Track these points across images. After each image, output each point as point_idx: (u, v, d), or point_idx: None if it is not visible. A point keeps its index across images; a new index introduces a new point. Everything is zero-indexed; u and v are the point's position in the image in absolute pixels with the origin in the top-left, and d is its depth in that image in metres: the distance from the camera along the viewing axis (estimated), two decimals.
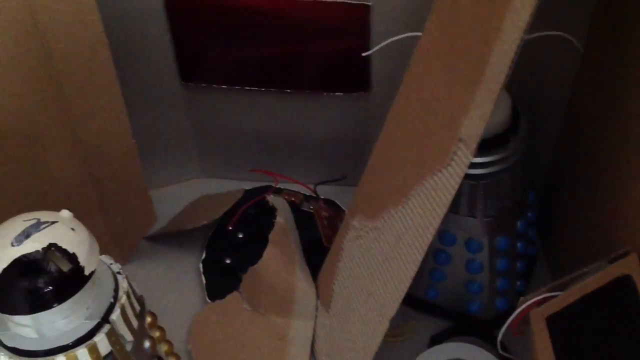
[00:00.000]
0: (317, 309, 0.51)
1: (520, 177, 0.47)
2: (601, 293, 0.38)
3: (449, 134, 0.38)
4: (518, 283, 0.51)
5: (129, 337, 0.39)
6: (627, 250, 0.38)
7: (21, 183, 0.47)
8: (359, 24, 0.50)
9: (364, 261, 0.46)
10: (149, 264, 0.58)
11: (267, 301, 0.51)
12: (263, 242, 0.53)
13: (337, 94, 0.55)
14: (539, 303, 0.41)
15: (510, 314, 0.42)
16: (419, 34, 0.43)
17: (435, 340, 0.51)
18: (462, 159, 0.37)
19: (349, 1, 0.49)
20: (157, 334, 0.45)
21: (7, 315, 0.37)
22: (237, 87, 0.56)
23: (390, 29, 0.49)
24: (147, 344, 0.42)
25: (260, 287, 0.51)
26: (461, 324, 0.52)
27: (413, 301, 0.51)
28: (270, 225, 0.54)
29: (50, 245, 0.35)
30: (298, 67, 0.54)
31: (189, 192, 0.63)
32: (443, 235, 0.48)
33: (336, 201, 0.60)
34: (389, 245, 0.43)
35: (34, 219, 0.36)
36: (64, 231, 0.36)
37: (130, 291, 0.40)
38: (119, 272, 0.41)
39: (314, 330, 0.50)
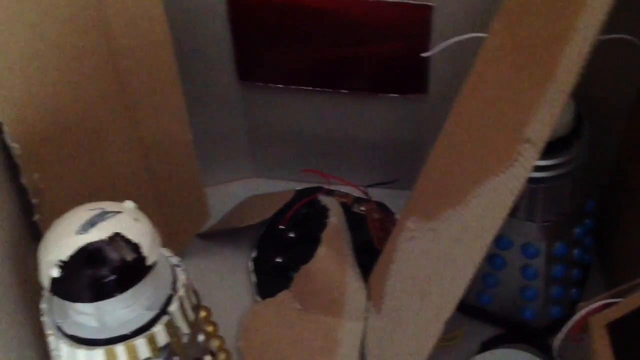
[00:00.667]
0: (367, 311, 0.51)
1: (581, 183, 0.46)
2: None
3: (514, 134, 0.37)
4: (573, 291, 0.50)
5: (185, 329, 0.40)
6: None
7: (81, 175, 0.48)
8: (420, 25, 0.50)
9: (418, 263, 0.45)
10: (199, 260, 0.58)
11: (317, 301, 0.51)
12: (314, 242, 0.53)
13: (393, 95, 0.55)
14: (598, 310, 0.41)
15: (563, 322, 0.41)
16: (483, 34, 0.43)
17: (486, 347, 0.50)
18: (528, 160, 0.37)
19: (411, 2, 0.49)
20: (209, 328, 0.45)
21: (69, 303, 0.37)
22: (293, 87, 0.56)
23: (451, 29, 0.48)
24: (201, 337, 0.42)
25: (311, 287, 0.51)
26: (513, 331, 0.51)
27: (464, 306, 0.50)
28: (323, 225, 0.54)
29: (115, 234, 0.36)
30: (355, 68, 0.54)
31: (240, 191, 0.63)
32: (499, 239, 0.47)
33: (386, 204, 0.60)
34: (446, 246, 0.43)
35: (98, 208, 0.37)
36: (128, 221, 0.36)
37: (188, 284, 0.41)
38: (177, 265, 0.41)
39: (364, 332, 0.50)
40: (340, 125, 0.59)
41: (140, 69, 0.47)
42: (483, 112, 0.41)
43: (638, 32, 0.43)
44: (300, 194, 0.58)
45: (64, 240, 0.35)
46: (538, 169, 0.43)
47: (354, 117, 0.58)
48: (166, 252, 0.41)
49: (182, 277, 0.40)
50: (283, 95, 0.57)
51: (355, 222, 0.56)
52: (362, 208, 0.58)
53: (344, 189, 0.60)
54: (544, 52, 0.36)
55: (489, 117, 0.40)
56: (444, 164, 0.44)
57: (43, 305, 0.39)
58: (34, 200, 0.45)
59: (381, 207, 0.59)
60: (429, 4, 0.49)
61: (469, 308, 0.51)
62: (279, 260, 0.55)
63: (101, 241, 0.35)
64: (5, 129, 0.43)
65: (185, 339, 0.40)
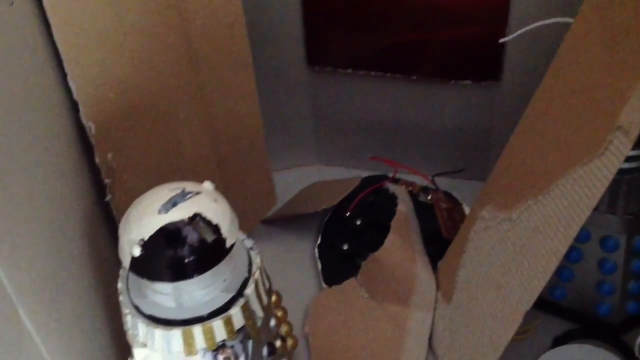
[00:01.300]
0: (436, 300, 0.50)
1: None
2: None
3: (604, 122, 0.36)
4: None
5: (259, 313, 0.39)
6: None
7: (152, 157, 0.48)
8: (497, 10, 0.48)
9: (493, 253, 0.44)
10: (264, 246, 0.57)
11: (386, 290, 0.50)
12: (381, 230, 0.53)
13: (465, 82, 0.54)
14: None
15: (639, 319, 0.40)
16: (568, 19, 0.41)
17: (559, 342, 0.49)
18: (619, 149, 0.35)
19: None
20: (279, 313, 0.45)
21: (146, 283, 0.37)
22: (362, 72, 0.55)
23: (529, 14, 0.47)
24: (272, 322, 0.42)
25: (379, 275, 0.51)
26: (587, 327, 0.49)
27: (536, 300, 0.49)
28: (391, 213, 0.53)
29: (196, 215, 0.35)
30: (427, 53, 0.53)
31: (303, 178, 0.63)
32: None
33: (453, 193, 0.59)
34: (525, 237, 0.42)
35: (179, 188, 0.36)
36: (208, 202, 0.36)
37: (263, 267, 0.40)
38: (251, 248, 0.41)
39: (433, 322, 0.49)
40: (408, 113, 0.58)
41: (213, 50, 0.47)
42: (570, 99, 0.40)
43: None
44: (366, 181, 0.58)
45: (145, 220, 0.35)
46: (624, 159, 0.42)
47: (423, 104, 0.57)
48: (241, 234, 0.41)
49: (257, 260, 0.40)
50: (351, 81, 0.56)
51: (422, 211, 0.55)
52: (429, 197, 0.57)
53: (410, 178, 0.59)
54: (638, 35, 0.35)
55: (576, 103, 0.39)
56: (524, 152, 0.43)
57: (119, 285, 0.39)
58: (107, 181, 0.45)
59: (448, 196, 0.58)
60: None
61: (541, 302, 0.49)
62: (345, 247, 0.54)
63: (182, 221, 0.35)
64: (81, 107, 0.43)
65: (259, 323, 0.39)
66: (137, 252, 0.35)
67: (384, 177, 0.58)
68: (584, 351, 0.48)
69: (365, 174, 0.59)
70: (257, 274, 0.39)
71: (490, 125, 0.56)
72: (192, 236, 0.35)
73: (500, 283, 0.43)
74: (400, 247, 0.50)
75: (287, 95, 0.58)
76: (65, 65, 0.41)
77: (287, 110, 0.59)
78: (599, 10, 0.38)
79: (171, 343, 0.36)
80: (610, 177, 0.36)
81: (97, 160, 0.44)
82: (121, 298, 0.38)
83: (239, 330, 0.38)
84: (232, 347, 0.37)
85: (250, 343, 0.39)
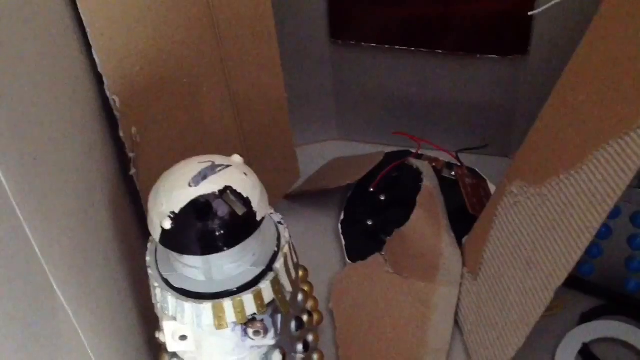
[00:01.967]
0: (462, 276, 0.49)
1: None
2: None
3: None
4: None
5: (288, 287, 0.39)
6: None
7: (177, 131, 0.47)
8: None
9: (523, 229, 0.44)
10: (286, 222, 0.57)
11: (411, 265, 0.50)
12: (406, 205, 0.52)
13: (491, 56, 0.53)
14: None
15: None
16: None
17: (586, 318, 0.49)
18: None
19: None
20: (306, 288, 0.45)
21: (176, 257, 0.37)
22: (386, 46, 0.54)
23: None
24: (300, 297, 0.42)
25: (405, 251, 0.50)
26: (615, 303, 0.49)
27: None
28: (415, 188, 0.52)
29: (226, 187, 0.35)
30: (452, 27, 0.52)
31: (324, 153, 0.62)
32: None
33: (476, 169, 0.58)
34: (556, 212, 0.41)
35: (208, 161, 0.36)
36: (238, 175, 0.36)
37: (291, 242, 0.40)
38: (279, 222, 0.40)
39: (459, 298, 0.49)
40: (431, 88, 0.57)
41: (237, 21, 0.46)
42: (605, 71, 0.39)
43: None
44: (389, 157, 0.57)
45: (176, 192, 0.35)
46: None
47: (447, 79, 0.56)
48: (270, 208, 0.40)
49: (285, 234, 0.39)
50: (375, 55, 0.56)
51: (446, 187, 0.55)
52: (452, 173, 0.56)
53: (433, 153, 0.58)
54: None
55: (612, 75, 0.38)
56: (556, 126, 0.42)
57: (148, 258, 0.39)
58: (131, 155, 0.45)
59: (472, 172, 0.57)
60: None
61: (568, 278, 0.48)
62: (369, 223, 0.53)
63: (213, 194, 0.35)
64: (105, 80, 0.42)
65: (288, 297, 0.39)
66: (167, 225, 0.34)
67: (407, 153, 0.58)
68: (612, 327, 0.47)
69: (387, 149, 0.59)
70: (286, 248, 0.39)
71: (514, 101, 0.56)
72: (222, 209, 0.34)
73: (530, 259, 0.43)
74: (427, 222, 0.50)
75: (309, 70, 0.58)
76: (90, 37, 0.41)
77: (309, 85, 0.59)
78: None
79: (201, 317, 0.36)
80: None
81: (121, 134, 0.44)
82: (150, 271, 0.38)
83: (269, 304, 0.37)
84: (262, 320, 0.37)
85: (279, 317, 0.38)
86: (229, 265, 0.37)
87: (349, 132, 0.63)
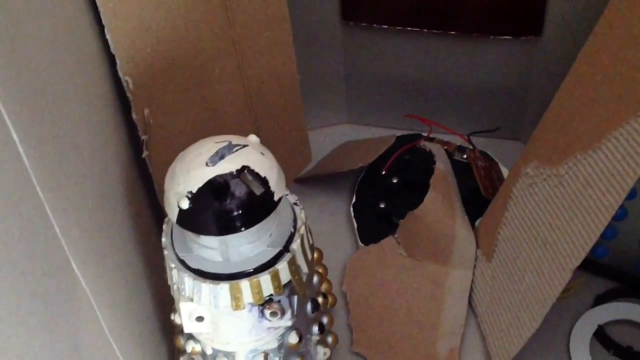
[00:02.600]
0: (476, 259, 0.49)
1: None
2: None
3: None
4: None
5: (304, 268, 0.39)
6: None
7: (190, 114, 0.47)
8: None
9: (539, 210, 0.43)
10: None
11: (425, 248, 0.50)
12: (418, 188, 0.52)
13: (504, 37, 0.52)
14: None
15: None
16: None
17: (601, 300, 0.48)
18: None
19: None
20: (320, 270, 0.45)
21: (194, 237, 0.37)
22: (398, 28, 0.54)
23: None
24: (315, 278, 0.42)
25: (418, 233, 0.50)
26: (629, 285, 0.49)
27: None
28: (427, 171, 0.52)
29: (244, 167, 0.35)
30: (465, 8, 0.52)
31: (334, 136, 0.62)
32: None
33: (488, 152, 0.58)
34: (573, 193, 0.41)
35: (225, 141, 0.36)
36: (256, 155, 0.35)
37: (307, 223, 0.40)
38: (295, 203, 0.40)
39: (473, 280, 0.49)
40: (443, 70, 0.56)
41: (250, 3, 0.45)
42: (623, 49, 0.38)
43: None
44: (400, 140, 0.57)
45: (193, 172, 0.34)
46: None
47: (459, 61, 0.55)
48: (286, 189, 0.40)
49: (302, 215, 0.39)
50: (386, 37, 0.55)
51: (458, 170, 0.54)
52: (464, 156, 0.56)
53: (443, 137, 0.58)
54: None
55: (630, 53, 0.38)
56: (573, 106, 0.42)
57: (164, 239, 0.38)
58: (143, 137, 0.45)
59: (484, 155, 0.57)
60: None
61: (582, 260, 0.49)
62: (382, 206, 0.53)
63: (230, 174, 0.34)
64: (118, 61, 0.42)
65: (304, 278, 0.39)
66: (185, 204, 0.34)
67: (419, 136, 0.57)
68: (627, 309, 0.47)
69: (398, 133, 0.58)
70: (302, 229, 0.38)
71: (527, 83, 0.55)
72: (240, 189, 0.34)
73: (547, 240, 0.42)
74: (440, 204, 0.50)
75: (320, 52, 0.57)
76: (103, 17, 0.40)
77: (320, 68, 0.58)
78: None
79: (219, 297, 0.36)
80: None
81: (134, 116, 0.43)
82: (166, 252, 0.38)
83: (285, 285, 0.37)
84: (278, 302, 0.37)
85: (295, 299, 0.38)
86: (246, 246, 0.36)
87: (359, 116, 0.62)
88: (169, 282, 0.38)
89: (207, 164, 0.34)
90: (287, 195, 0.40)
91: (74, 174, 0.33)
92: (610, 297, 0.48)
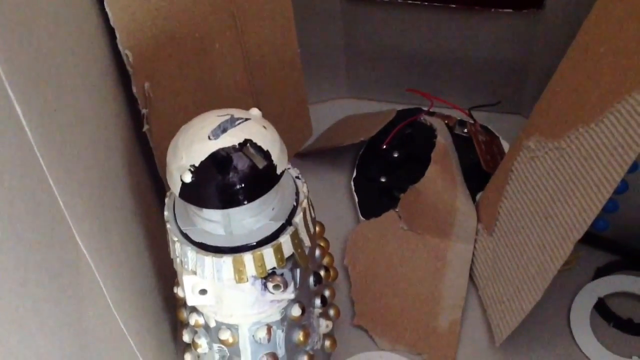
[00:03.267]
0: (477, 232, 0.49)
1: None
2: None
3: None
4: None
5: (307, 242, 0.39)
6: None
7: (190, 88, 0.47)
8: None
9: (541, 183, 0.43)
10: None
11: (426, 222, 0.50)
12: (419, 162, 0.52)
13: (506, 10, 0.52)
14: None
15: None
16: None
17: (601, 273, 0.49)
18: None
19: None
20: (322, 244, 0.45)
21: (197, 210, 0.37)
22: (399, 1, 0.53)
23: None
24: (317, 252, 0.42)
25: (420, 207, 0.50)
26: (630, 258, 0.49)
27: None
28: (428, 145, 0.52)
29: (246, 140, 0.34)
30: None
31: (335, 111, 0.62)
32: None
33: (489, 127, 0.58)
34: (575, 166, 0.41)
35: (227, 114, 0.36)
36: (258, 128, 0.35)
37: (309, 196, 0.40)
38: (297, 177, 0.40)
39: (473, 254, 0.49)
40: (445, 43, 0.56)
41: None
42: (626, 21, 0.38)
43: None
44: (401, 114, 0.57)
45: (195, 146, 0.34)
46: None
47: (461, 34, 0.55)
48: (288, 163, 0.40)
49: (304, 189, 0.39)
50: (386, 10, 0.55)
51: (459, 144, 0.54)
52: (465, 130, 0.56)
53: (444, 111, 0.58)
54: None
55: (633, 26, 0.38)
56: (575, 79, 0.42)
57: (166, 213, 0.38)
58: (144, 111, 0.44)
59: (485, 129, 0.57)
60: None
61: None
62: (383, 180, 0.53)
63: (233, 147, 0.34)
64: (118, 35, 0.42)
65: (307, 252, 0.39)
66: (188, 178, 0.34)
67: (420, 110, 0.57)
68: (628, 282, 0.48)
69: (398, 107, 0.58)
70: (304, 203, 0.38)
71: (529, 57, 0.55)
72: (243, 162, 0.34)
73: (548, 213, 0.42)
74: (441, 178, 0.50)
75: (320, 26, 0.57)
76: None
77: (320, 42, 0.58)
78: None
79: (222, 270, 0.36)
80: None
81: (134, 90, 0.43)
82: (169, 226, 0.38)
83: (288, 259, 0.37)
84: (281, 275, 0.37)
85: (298, 272, 0.38)
86: (248, 220, 0.36)
87: (359, 90, 0.62)
88: (172, 256, 0.38)
89: (209, 137, 0.34)
90: (289, 168, 0.40)
91: (77, 147, 0.33)
92: (611, 269, 0.49)
